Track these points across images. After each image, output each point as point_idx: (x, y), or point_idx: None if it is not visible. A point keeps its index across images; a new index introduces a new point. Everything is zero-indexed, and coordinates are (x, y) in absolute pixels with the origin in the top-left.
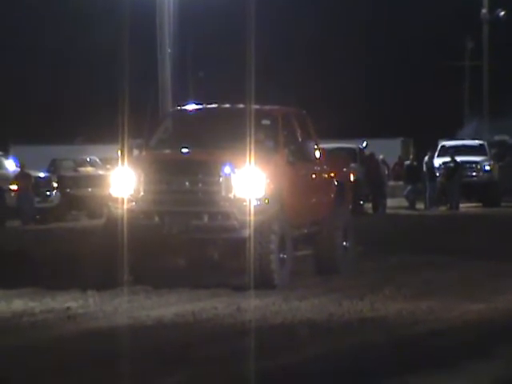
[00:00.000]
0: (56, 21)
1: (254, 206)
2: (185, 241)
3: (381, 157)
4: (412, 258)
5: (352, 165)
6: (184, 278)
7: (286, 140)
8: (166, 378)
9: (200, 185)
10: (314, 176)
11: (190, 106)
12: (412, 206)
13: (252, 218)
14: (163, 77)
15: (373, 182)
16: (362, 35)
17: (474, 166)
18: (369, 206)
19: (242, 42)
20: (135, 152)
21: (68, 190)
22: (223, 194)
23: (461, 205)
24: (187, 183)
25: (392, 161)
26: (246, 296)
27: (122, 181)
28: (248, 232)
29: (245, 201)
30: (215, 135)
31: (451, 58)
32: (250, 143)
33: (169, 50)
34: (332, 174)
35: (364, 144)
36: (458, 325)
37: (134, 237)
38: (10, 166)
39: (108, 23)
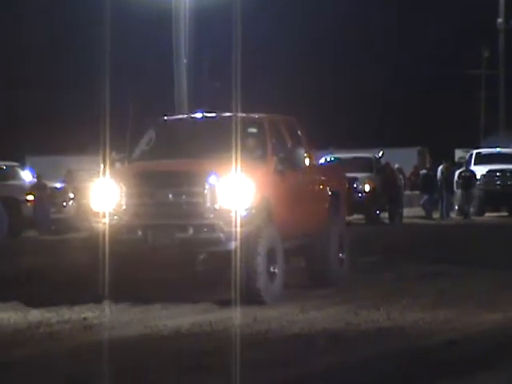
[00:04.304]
0: (65, 34)
1: (241, 217)
2: (170, 255)
3: (396, 166)
4: (429, 268)
5: (368, 174)
6: (197, 289)
7: (274, 148)
8: None
9: (184, 196)
10: (305, 185)
11: (174, 116)
12: (429, 216)
13: (238, 229)
14: (179, 87)
15: (389, 191)
16: (379, 44)
17: None
18: (385, 215)
19: (248, 51)
20: (117, 164)
21: (84, 201)
22: (208, 205)
23: (486, 214)
24: (170, 195)
25: (408, 170)
26: (262, 306)
27: (103, 194)
28: (234, 244)
29: (231, 212)
30: (200, 145)
31: (467, 67)
32: (236, 152)
33: (185, 61)
34: (326, 183)
35: (380, 153)
36: (476, 335)
37: (116, 252)
38: (27, 176)
39: (122, 35)
